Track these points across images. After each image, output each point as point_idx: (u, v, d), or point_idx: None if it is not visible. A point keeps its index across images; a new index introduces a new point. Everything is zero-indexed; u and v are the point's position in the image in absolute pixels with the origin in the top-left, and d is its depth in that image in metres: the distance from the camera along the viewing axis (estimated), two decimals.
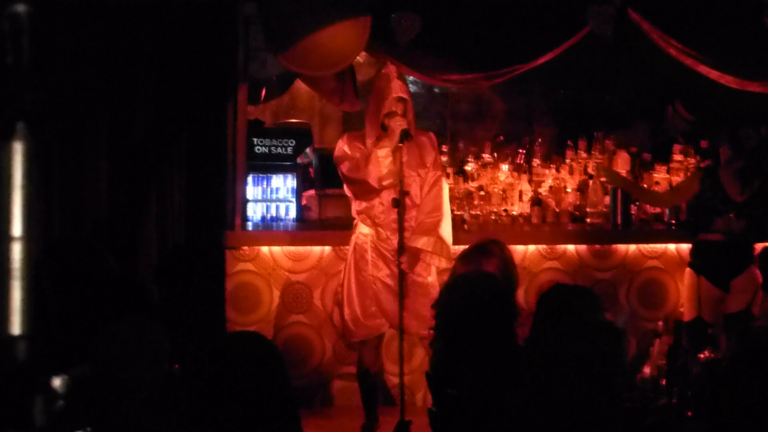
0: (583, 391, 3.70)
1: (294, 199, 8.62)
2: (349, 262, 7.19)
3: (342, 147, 7.14)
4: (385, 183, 6.99)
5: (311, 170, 8.96)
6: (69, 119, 6.98)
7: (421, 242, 6.99)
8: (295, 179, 8.61)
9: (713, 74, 8.04)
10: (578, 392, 3.66)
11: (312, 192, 8.70)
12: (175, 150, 7.40)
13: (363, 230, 7.14)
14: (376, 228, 7.10)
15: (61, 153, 7.07)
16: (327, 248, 7.79)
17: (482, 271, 5.26)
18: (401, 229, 6.77)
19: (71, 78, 6.70)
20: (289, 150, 8.59)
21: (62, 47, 6.56)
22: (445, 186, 7.28)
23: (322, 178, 8.57)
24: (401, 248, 6.79)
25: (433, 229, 7.02)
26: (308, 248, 7.79)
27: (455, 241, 7.15)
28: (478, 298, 4.51)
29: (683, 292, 7.85)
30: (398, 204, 6.73)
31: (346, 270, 7.20)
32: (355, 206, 7.19)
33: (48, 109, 6.44)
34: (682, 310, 7.86)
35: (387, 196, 6.97)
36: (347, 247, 7.25)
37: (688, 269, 7.67)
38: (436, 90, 10.06)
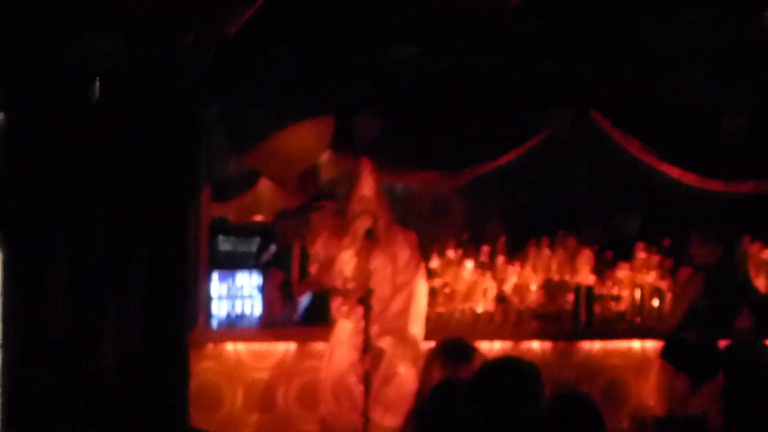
0: None
1: (259, 296, 8.58)
2: (327, 357, 7.17)
3: (317, 246, 7.19)
4: (350, 285, 7.00)
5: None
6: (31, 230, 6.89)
7: (385, 342, 6.99)
8: (259, 276, 8.59)
9: (675, 172, 8.15)
10: None
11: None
12: (135, 252, 7.27)
13: (342, 324, 7.14)
14: (351, 322, 7.11)
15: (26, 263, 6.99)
16: (292, 345, 7.74)
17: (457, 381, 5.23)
18: (367, 330, 6.74)
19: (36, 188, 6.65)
20: (254, 247, 8.60)
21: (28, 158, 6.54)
22: (423, 285, 7.28)
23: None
24: (367, 347, 6.77)
25: (398, 331, 7.02)
26: (272, 345, 7.74)
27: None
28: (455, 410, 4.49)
29: (656, 386, 7.75)
30: (364, 304, 6.73)
31: (324, 365, 7.19)
32: (333, 302, 7.21)
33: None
34: (649, 403, 7.78)
35: (356, 294, 6.95)
36: (314, 343, 7.24)
37: (663, 362, 7.58)
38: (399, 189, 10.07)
